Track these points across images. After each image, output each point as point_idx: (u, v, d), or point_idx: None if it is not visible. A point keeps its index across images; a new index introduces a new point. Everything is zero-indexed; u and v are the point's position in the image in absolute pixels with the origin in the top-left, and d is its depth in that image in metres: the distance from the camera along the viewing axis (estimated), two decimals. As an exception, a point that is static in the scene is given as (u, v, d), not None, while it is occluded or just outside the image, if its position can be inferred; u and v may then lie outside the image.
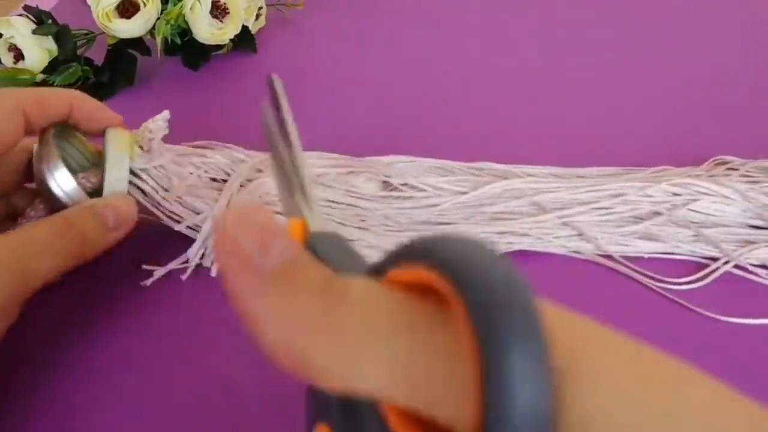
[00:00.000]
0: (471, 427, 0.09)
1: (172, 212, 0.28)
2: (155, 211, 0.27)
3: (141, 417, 0.22)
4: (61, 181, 0.24)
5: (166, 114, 0.27)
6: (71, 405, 0.23)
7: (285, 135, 0.20)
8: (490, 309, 0.09)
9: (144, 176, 0.27)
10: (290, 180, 0.18)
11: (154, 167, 0.27)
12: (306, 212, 0.17)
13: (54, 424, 0.22)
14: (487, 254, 0.10)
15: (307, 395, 0.15)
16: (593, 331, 0.10)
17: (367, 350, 0.10)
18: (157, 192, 0.27)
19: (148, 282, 0.27)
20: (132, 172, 0.26)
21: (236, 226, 0.11)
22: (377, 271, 0.12)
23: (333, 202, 0.30)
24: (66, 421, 0.22)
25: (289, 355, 0.10)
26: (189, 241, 0.28)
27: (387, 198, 0.31)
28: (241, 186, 0.30)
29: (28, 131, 0.25)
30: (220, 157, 0.30)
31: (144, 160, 0.26)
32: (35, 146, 0.25)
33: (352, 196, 0.31)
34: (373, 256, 0.28)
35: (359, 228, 0.29)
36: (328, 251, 0.13)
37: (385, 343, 0.10)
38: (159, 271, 0.27)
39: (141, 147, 0.27)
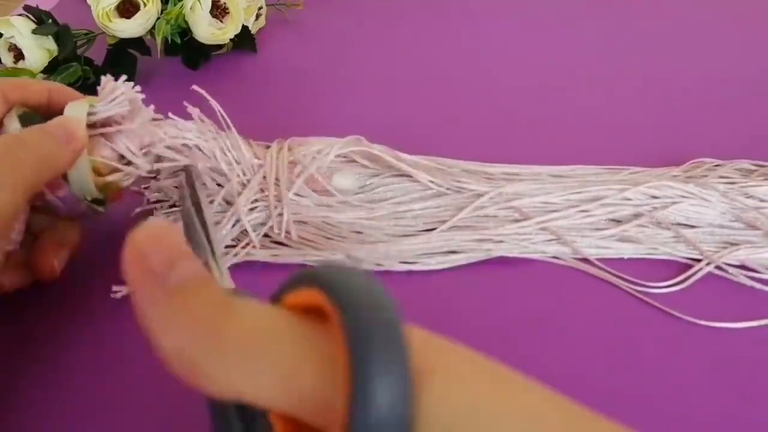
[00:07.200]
0: (341, 426, 0.10)
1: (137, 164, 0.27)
2: (124, 167, 0.27)
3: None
4: None
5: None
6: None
7: (198, 206, 0.22)
8: (359, 322, 0.11)
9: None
10: (198, 239, 0.20)
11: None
12: (216, 273, 0.19)
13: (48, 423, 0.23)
14: (363, 279, 0.12)
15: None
16: (446, 345, 0.13)
17: (251, 360, 0.11)
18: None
19: (118, 295, 0.27)
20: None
21: (146, 243, 0.12)
22: (276, 296, 0.14)
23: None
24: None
25: (181, 363, 0.12)
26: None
27: (357, 208, 0.31)
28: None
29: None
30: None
31: (104, 104, 0.26)
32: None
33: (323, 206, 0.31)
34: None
35: (328, 238, 0.30)
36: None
37: (267, 354, 0.11)
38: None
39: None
